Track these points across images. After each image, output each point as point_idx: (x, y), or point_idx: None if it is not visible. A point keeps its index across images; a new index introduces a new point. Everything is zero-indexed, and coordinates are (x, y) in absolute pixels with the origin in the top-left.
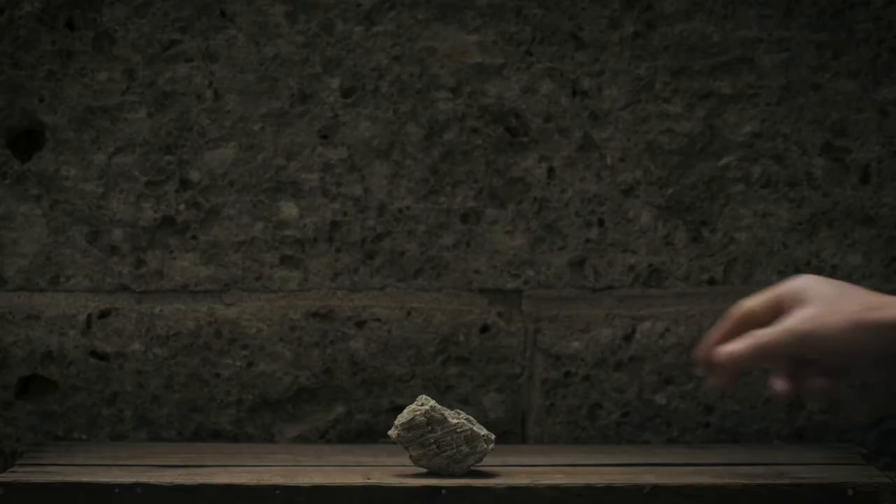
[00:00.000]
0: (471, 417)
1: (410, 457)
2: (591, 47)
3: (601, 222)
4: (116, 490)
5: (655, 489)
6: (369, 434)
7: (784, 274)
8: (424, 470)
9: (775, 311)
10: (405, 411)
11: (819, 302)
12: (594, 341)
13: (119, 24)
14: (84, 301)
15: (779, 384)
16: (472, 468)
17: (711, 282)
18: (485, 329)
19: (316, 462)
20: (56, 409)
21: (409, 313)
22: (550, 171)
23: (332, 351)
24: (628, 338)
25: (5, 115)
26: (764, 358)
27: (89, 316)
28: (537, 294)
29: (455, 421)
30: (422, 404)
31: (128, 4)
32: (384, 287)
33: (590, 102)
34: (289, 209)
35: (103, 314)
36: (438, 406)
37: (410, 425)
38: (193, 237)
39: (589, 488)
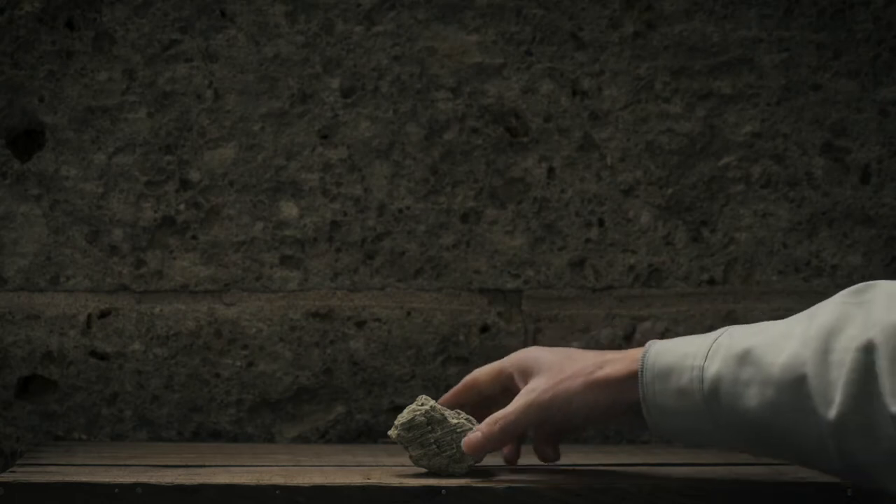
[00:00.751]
0: (471, 417)
1: (410, 456)
2: (591, 47)
3: (601, 222)
4: (116, 490)
5: (655, 489)
6: (369, 434)
7: (784, 274)
8: (424, 470)
9: (501, 382)
10: (405, 411)
11: (549, 370)
12: (594, 341)
13: (119, 24)
14: (84, 301)
15: (509, 453)
16: (471, 468)
17: (711, 282)
18: (485, 329)
19: (316, 462)
20: (56, 409)
21: (409, 313)
22: (550, 171)
23: (332, 351)
24: (628, 338)
25: (5, 115)
26: (512, 436)
27: (89, 316)
28: (537, 294)
29: (455, 421)
30: (422, 404)
31: (128, 4)
32: (384, 287)
33: (590, 102)
34: (289, 209)
35: (103, 314)
36: (438, 406)
37: (410, 425)
38: (193, 237)
39: (589, 488)
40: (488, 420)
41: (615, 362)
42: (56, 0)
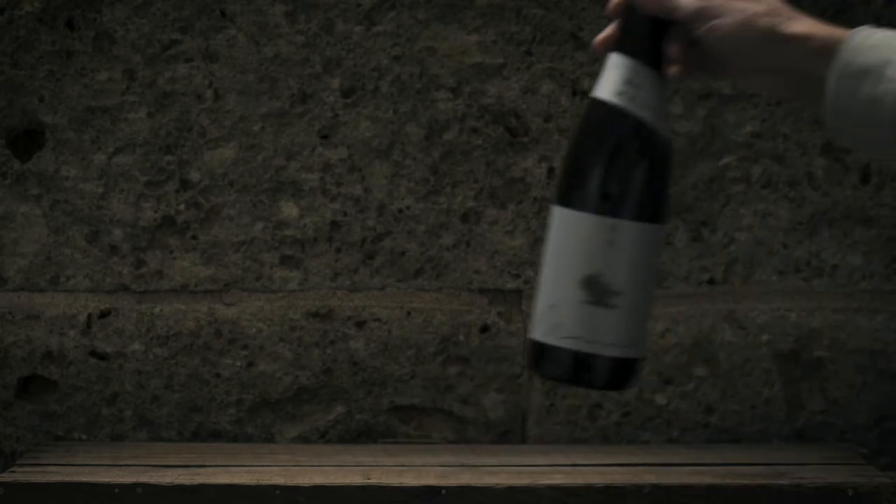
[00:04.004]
0: None
1: None
2: (591, 47)
3: None
4: (116, 490)
5: (655, 489)
6: (369, 434)
7: (784, 274)
8: (424, 471)
9: None
10: None
11: None
12: None
13: (119, 24)
14: (84, 301)
15: (676, 49)
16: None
17: (711, 282)
18: (485, 329)
19: (316, 462)
20: (56, 409)
21: (409, 313)
22: (550, 171)
23: (332, 351)
24: None
25: (5, 115)
26: (664, 11)
27: (89, 316)
28: None
29: None
30: None
31: (128, 4)
32: (384, 287)
33: None
34: (289, 209)
35: (103, 314)
36: None
37: None
38: (193, 237)
39: (589, 488)
40: None
41: (805, 25)
42: (56, 0)
